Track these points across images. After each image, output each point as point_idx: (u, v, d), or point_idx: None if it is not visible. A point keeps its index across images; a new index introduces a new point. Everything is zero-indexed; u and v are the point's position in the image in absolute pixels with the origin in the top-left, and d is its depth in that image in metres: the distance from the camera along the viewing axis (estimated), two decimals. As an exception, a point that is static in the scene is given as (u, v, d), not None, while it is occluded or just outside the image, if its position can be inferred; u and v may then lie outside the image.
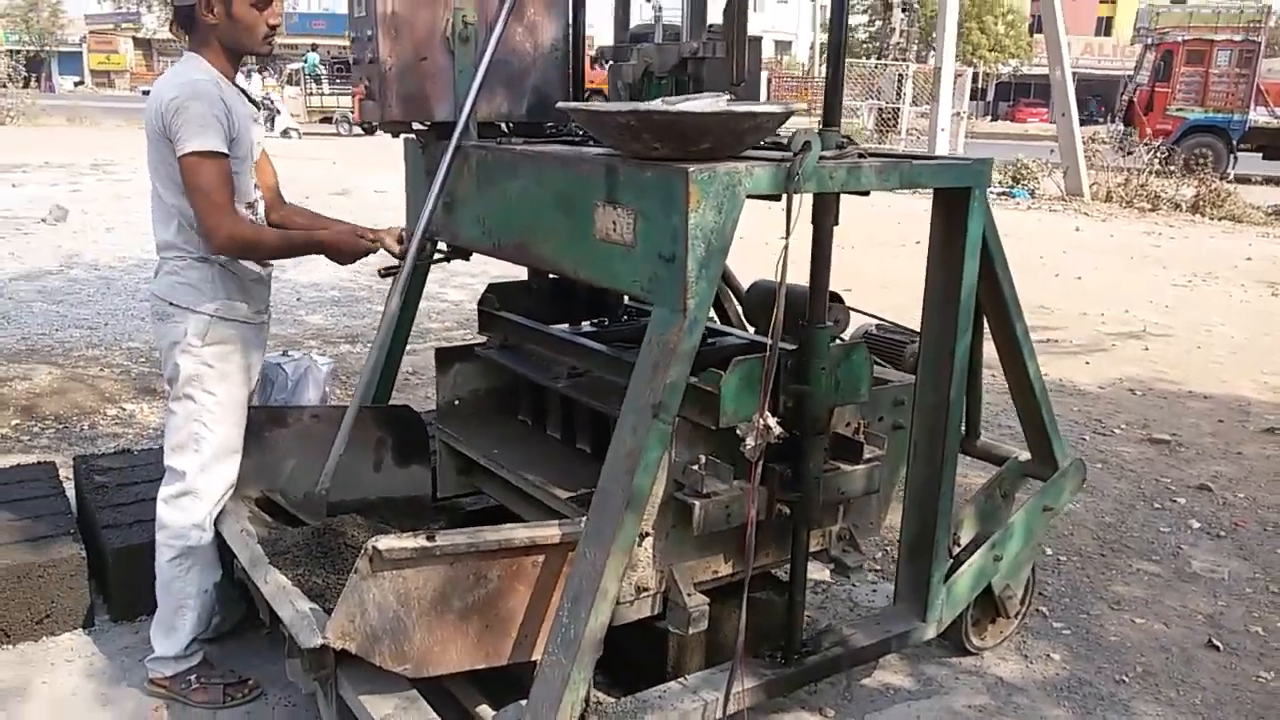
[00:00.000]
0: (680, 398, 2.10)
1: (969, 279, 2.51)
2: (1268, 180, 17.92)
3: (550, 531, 2.22)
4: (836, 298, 2.78)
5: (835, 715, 2.69)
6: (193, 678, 2.63)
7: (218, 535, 2.63)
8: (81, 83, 45.34)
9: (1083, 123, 29.50)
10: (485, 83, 2.58)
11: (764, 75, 27.57)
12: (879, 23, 25.33)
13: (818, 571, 3.19)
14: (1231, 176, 18.19)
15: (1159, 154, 16.73)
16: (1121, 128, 20.58)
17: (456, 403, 3.08)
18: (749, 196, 2.10)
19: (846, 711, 2.71)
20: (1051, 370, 6.00)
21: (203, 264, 2.54)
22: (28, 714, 2.57)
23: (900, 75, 20.77)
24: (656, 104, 2.20)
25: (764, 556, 2.55)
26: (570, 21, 2.94)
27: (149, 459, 3.48)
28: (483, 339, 3.14)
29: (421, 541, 2.07)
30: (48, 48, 43.64)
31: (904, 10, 22.16)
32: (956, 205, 2.48)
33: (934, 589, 2.68)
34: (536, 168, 2.47)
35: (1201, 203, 13.34)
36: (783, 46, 53.67)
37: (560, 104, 2.40)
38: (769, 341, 2.17)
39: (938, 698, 2.79)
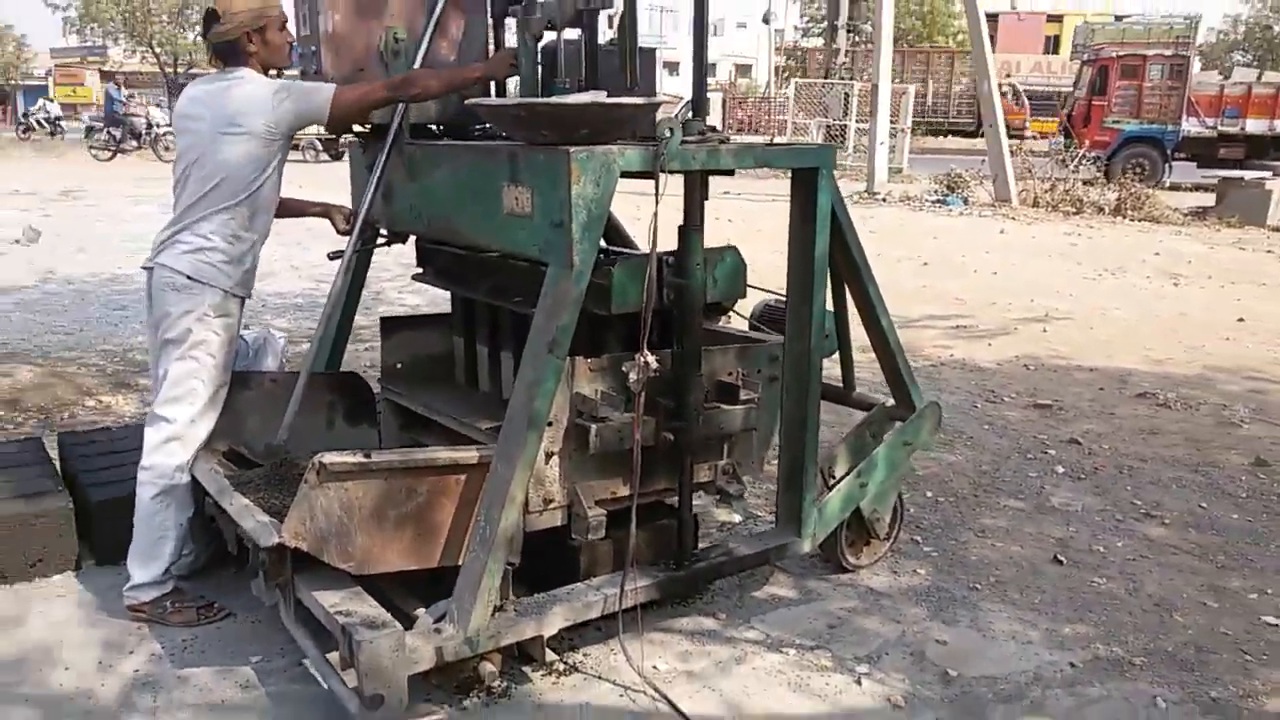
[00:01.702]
0: (570, 337, 2.58)
1: (820, 246, 3.01)
2: (1197, 187, 18.76)
3: (469, 454, 2.68)
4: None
5: (726, 618, 3.15)
6: (168, 602, 3.05)
7: (192, 479, 3.06)
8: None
9: (1030, 136, 30.33)
10: None
11: (719, 95, 28.38)
12: (823, 43, 26.19)
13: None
14: (1166, 184, 19.06)
15: (1099, 165, 17.51)
16: (1062, 140, 21.46)
17: (399, 365, 3.54)
18: (623, 174, 2.60)
19: (737, 615, 3.17)
20: (957, 351, 6.57)
21: (229, 249, 3.00)
22: (27, 637, 2.97)
23: (846, 94, 21.48)
24: (554, 99, 2.70)
25: (660, 483, 3.01)
26: (491, 34, 3.43)
27: (126, 434, 3.89)
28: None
29: (360, 458, 2.52)
30: (13, 81, 43.66)
31: (849, 31, 22.96)
32: (807, 184, 2.98)
33: (807, 510, 3.16)
34: (456, 159, 2.96)
35: (1123, 206, 14.09)
36: (743, 70, 54.81)
37: (468, 100, 2.89)
38: (652, 251, 2.66)
39: (816, 604, 3.27)
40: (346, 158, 3.60)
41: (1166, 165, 20.07)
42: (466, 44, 3.36)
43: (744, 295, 3.16)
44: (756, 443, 3.22)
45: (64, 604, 3.15)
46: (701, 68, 2.86)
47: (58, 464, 3.73)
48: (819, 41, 36.13)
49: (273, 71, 3.09)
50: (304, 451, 3.33)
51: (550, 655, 2.84)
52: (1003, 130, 15.10)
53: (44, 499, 3.33)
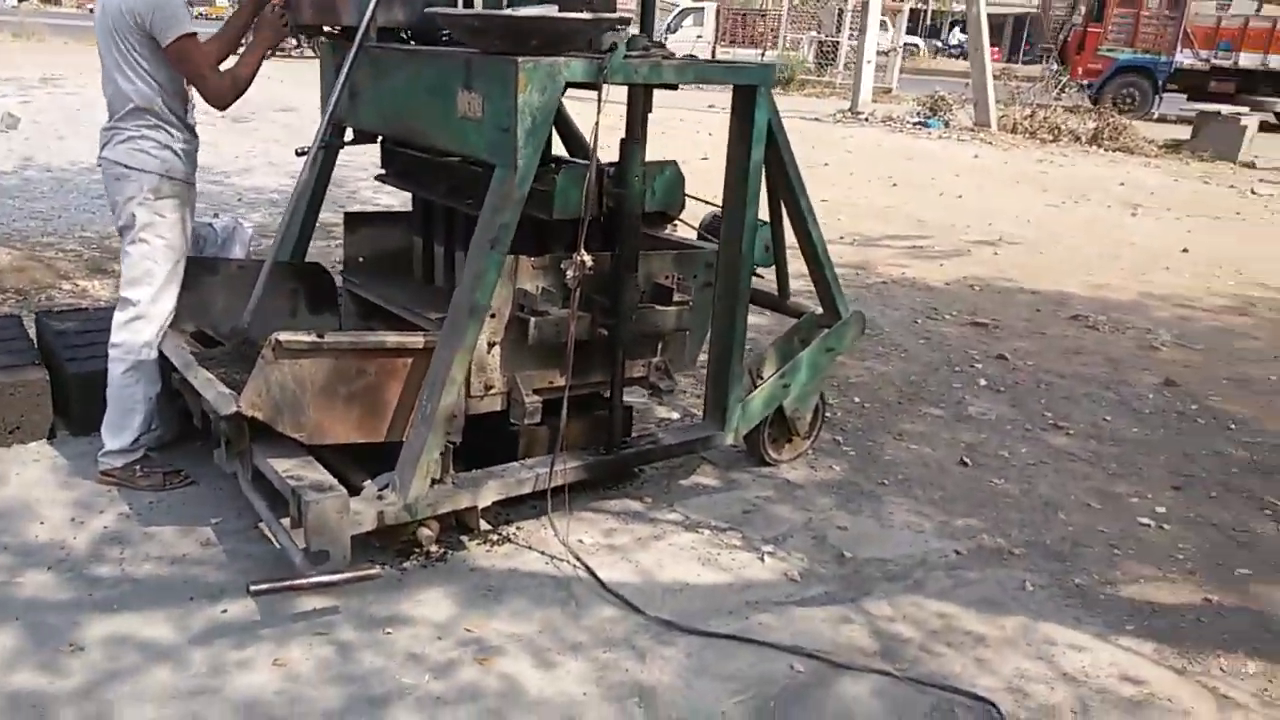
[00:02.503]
0: (511, 234, 2.81)
1: (755, 159, 3.21)
2: (1183, 120, 18.83)
3: (415, 339, 2.93)
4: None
5: (651, 502, 3.45)
6: (137, 468, 3.31)
7: (160, 355, 3.30)
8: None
9: (1026, 61, 29.97)
10: None
11: (713, 6, 27.95)
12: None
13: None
14: (1155, 115, 19.10)
15: (1089, 94, 17.44)
16: (1056, 66, 21.37)
17: (360, 259, 3.76)
18: (568, 84, 2.79)
19: (662, 500, 3.48)
20: (910, 271, 6.83)
21: (154, 134, 3.17)
22: (4, 495, 3.22)
23: (840, 9, 21.25)
24: (507, 12, 2.88)
25: (596, 375, 3.26)
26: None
27: (101, 315, 4.08)
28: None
29: (313, 337, 2.76)
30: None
31: (845, -57, 22.66)
32: (746, 100, 3.18)
33: (731, 405, 3.44)
34: (417, 63, 3.14)
35: (1100, 135, 14.21)
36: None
37: (427, 9, 3.05)
38: (591, 162, 2.88)
39: (735, 492, 3.58)
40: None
41: (1157, 97, 20.09)
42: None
43: (683, 206, 3.37)
44: (689, 343, 3.48)
45: (39, 468, 3.40)
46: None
47: (34, 341, 3.94)
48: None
49: None
50: (267, 335, 3.58)
51: (486, 527, 3.13)
52: (986, 54, 15.10)
53: (22, 371, 3.56)
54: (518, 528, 3.20)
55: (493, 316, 2.96)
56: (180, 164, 3.24)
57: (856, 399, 4.48)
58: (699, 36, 25.78)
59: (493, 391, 3.07)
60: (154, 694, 2.39)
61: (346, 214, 3.71)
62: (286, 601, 2.72)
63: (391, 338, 2.92)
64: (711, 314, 3.44)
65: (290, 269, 3.71)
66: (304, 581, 2.63)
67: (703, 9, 27.29)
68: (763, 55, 24.67)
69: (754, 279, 3.67)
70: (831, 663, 2.64)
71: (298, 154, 3.46)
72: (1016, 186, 10.65)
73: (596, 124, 2.84)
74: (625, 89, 2.98)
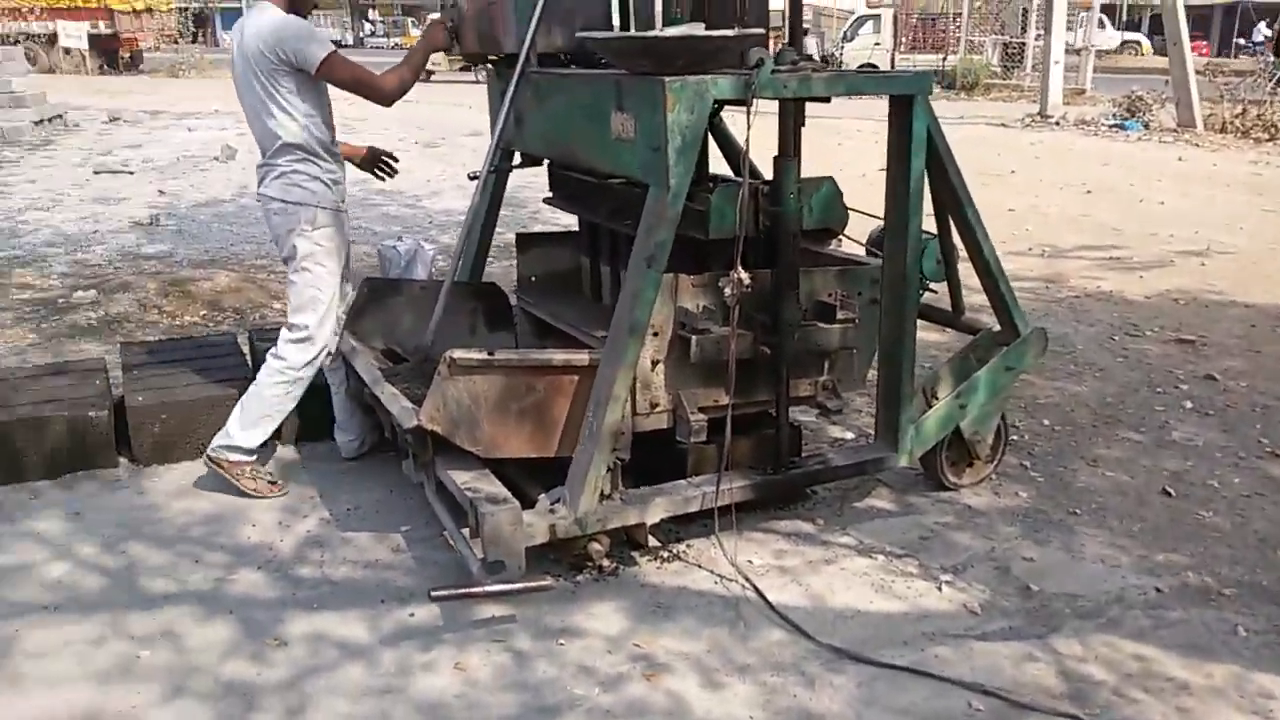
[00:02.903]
0: (668, 252, 2.81)
1: (915, 170, 3.09)
2: None
3: (581, 356, 2.98)
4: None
5: (824, 524, 3.37)
6: (248, 469, 3.49)
7: (353, 371, 3.48)
8: (242, 38, 48.08)
9: (1237, 53, 27.74)
10: (542, 21, 3.28)
11: (890, 12, 27.30)
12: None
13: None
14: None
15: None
16: (1271, 59, 19.63)
17: (533, 278, 3.87)
18: (717, 101, 2.78)
19: (834, 522, 3.38)
20: (1106, 283, 6.40)
21: (304, 167, 3.35)
22: (222, 499, 3.48)
23: (1024, 9, 20.30)
24: (651, 33, 2.91)
25: (761, 394, 3.20)
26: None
27: None
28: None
29: (484, 355, 2.86)
30: (211, 5, 46.48)
31: (1033, -60, 21.64)
32: (903, 110, 3.07)
33: (903, 426, 3.31)
34: (573, 87, 3.21)
35: (1325, 134, 12.91)
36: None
37: (578, 33, 3.10)
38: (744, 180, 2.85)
39: (912, 516, 3.44)
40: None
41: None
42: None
43: (844, 221, 3.28)
44: (857, 361, 3.38)
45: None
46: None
47: (249, 357, 4.25)
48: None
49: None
50: (450, 350, 3.73)
51: (654, 543, 3.14)
52: (1187, 48, 13.99)
53: (235, 385, 3.84)
54: (688, 545, 3.19)
55: (655, 335, 2.97)
56: (330, 193, 3.41)
57: (1046, 421, 4.23)
58: (876, 44, 25.27)
59: (658, 409, 3.07)
60: (347, 690, 2.53)
61: (519, 235, 3.84)
62: (467, 608, 2.84)
63: (559, 355, 2.98)
64: (878, 331, 3.32)
65: (468, 289, 3.85)
66: (480, 590, 2.72)
67: (879, 15, 26.71)
68: (944, 60, 23.87)
69: (928, 294, 3.56)
70: (1014, 703, 2.48)
71: (470, 178, 3.60)
72: (1227, 191, 9.80)
73: (746, 141, 2.81)
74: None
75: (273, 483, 3.54)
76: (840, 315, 3.18)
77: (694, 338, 2.96)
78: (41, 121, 13.78)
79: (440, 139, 13.36)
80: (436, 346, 3.47)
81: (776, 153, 3.02)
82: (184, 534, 3.27)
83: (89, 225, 7.82)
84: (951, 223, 3.38)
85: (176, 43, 28.82)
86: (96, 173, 10.26)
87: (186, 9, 38.45)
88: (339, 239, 3.46)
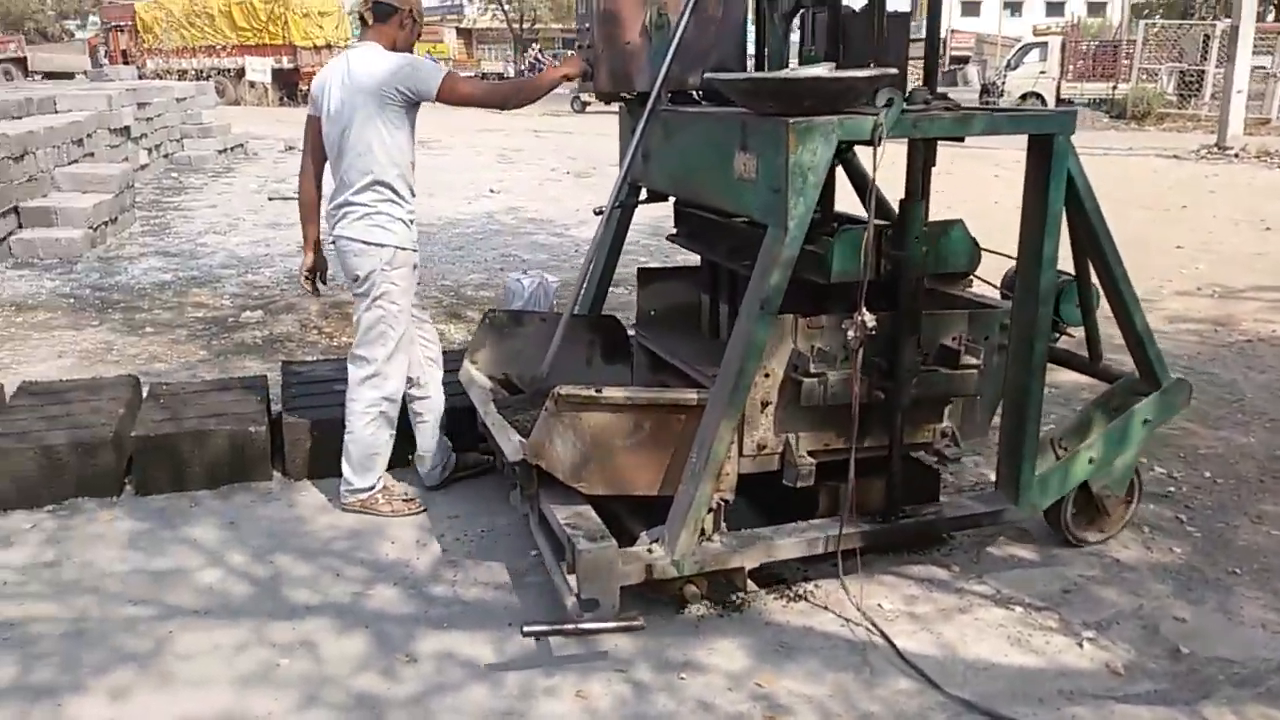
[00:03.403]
0: (782, 296, 2.78)
1: (1053, 213, 2.97)
2: None
3: (689, 396, 2.98)
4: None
5: (959, 570, 3.26)
6: (380, 497, 3.63)
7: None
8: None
9: None
10: (676, 59, 3.30)
11: (1058, 40, 26.25)
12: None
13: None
14: None
15: None
16: None
17: (652, 313, 3.91)
18: (844, 141, 2.74)
19: (970, 569, 3.27)
20: (1280, 328, 5.95)
21: (387, 208, 3.45)
22: (365, 517, 3.63)
23: (1206, 35, 19.14)
24: (777, 74, 2.90)
25: (876, 439, 3.12)
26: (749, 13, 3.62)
27: (451, 354, 4.31)
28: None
29: (591, 392, 2.90)
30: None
31: (1216, -37, 20.43)
32: (1042, 149, 2.95)
33: (1025, 478, 3.16)
34: (700, 126, 3.23)
35: None
36: (1095, 8, 50.14)
37: (705, 74, 3.12)
38: (869, 220, 2.80)
39: (1054, 568, 3.28)
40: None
41: None
42: (724, 23, 3.57)
43: (973, 265, 3.16)
44: (980, 408, 3.26)
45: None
46: (934, 36, 2.91)
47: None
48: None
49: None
50: (564, 383, 3.80)
51: (753, 588, 3.08)
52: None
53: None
54: (815, 585, 3.15)
55: (766, 376, 2.95)
56: (409, 233, 3.53)
57: (1207, 473, 3.98)
58: (1042, 72, 24.37)
59: (765, 451, 3.04)
60: (470, 710, 2.60)
61: (640, 269, 3.89)
62: (587, 637, 2.85)
63: (668, 394, 2.99)
64: (1006, 377, 3.19)
65: (586, 321, 3.92)
66: (572, 626, 2.74)
67: (1046, 43, 25.73)
68: (1114, 89, 22.76)
69: (1066, 338, 3.41)
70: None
71: (595, 214, 3.67)
72: None
73: (873, 182, 2.76)
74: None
75: (408, 499, 3.68)
76: (963, 361, 3.08)
77: (805, 380, 2.92)
78: (225, 150, 14.92)
79: (592, 169, 13.66)
80: (551, 378, 3.55)
81: (903, 196, 2.96)
82: (327, 547, 3.43)
83: (260, 249, 8.40)
84: (1091, 267, 3.22)
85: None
86: (270, 199, 10.98)
87: (362, 43, 40.85)
88: (412, 277, 3.57)
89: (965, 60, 30.63)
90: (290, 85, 28.23)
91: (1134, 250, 8.14)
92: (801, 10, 3.41)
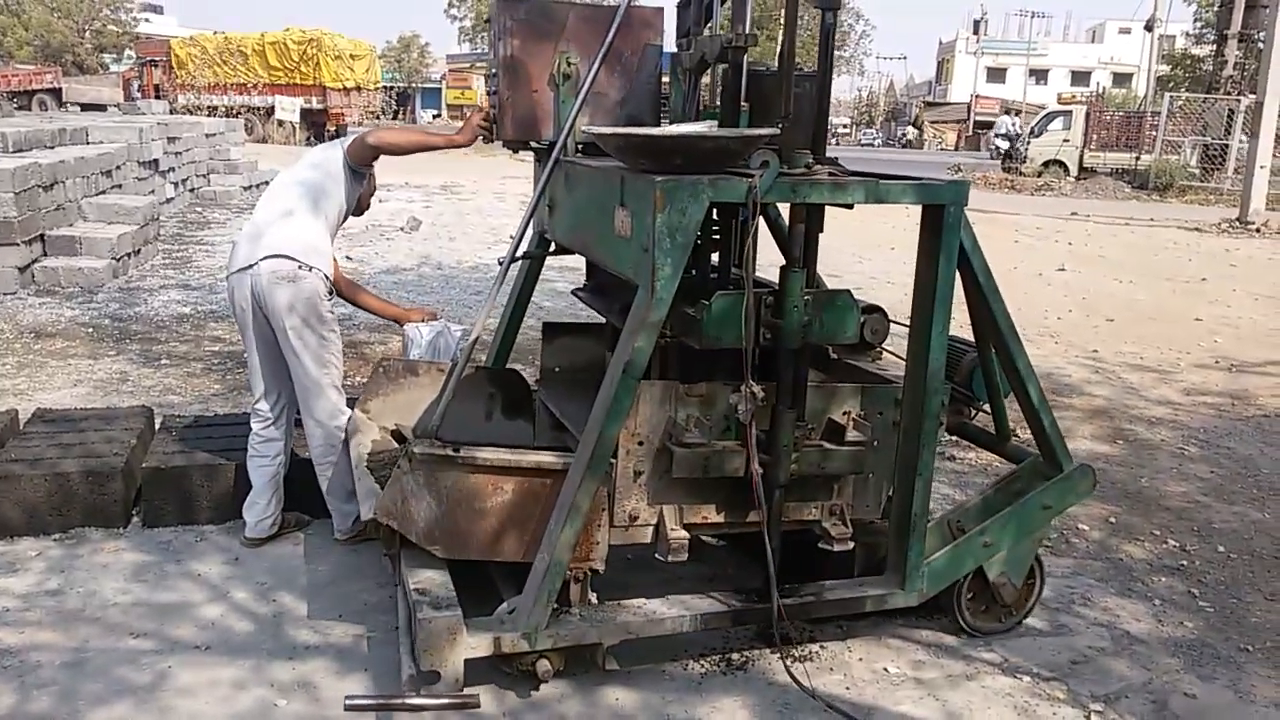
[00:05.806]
0: (646, 359, 2.65)
1: (943, 283, 2.82)
2: None
3: (552, 460, 2.84)
4: (878, 309, 3.03)
5: (968, 637, 3.17)
6: (365, 525, 3.44)
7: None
8: (439, 115, 51.54)
9: None
10: (585, 110, 3.18)
11: (1083, 109, 26.16)
12: (1210, 54, 23.27)
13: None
14: None
15: None
16: None
17: (556, 369, 3.77)
18: (714, 202, 2.62)
19: (979, 637, 3.17)
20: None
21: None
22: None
23: (1231, 110, 18.98)
24: (646, 130, 2.79)
25: (755, 515, 2.95)
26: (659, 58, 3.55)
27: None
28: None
29: (448, 451, 2.77)
30: (414, 84, 50.16)
31: (1240, 42, 20.22)
32: (935, 220, 2.81)
33: (912, 560, 2.98)
34: (590, 179, 3.12)
35: None
36: (1121, 79, 50.07)
37: (584, 128, 3.03)
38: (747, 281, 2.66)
39: (1064, 638, 3.19)
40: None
41: None
42: (639, 72, 3.50)
43: (862, 336, 2.98)
44: (872, 486, 3.09)
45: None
46: (824, 99, 2.80)
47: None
48: (1211, 49, 32.28)
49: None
50: (461, 438, 3.67)
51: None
52: None
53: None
54: (821, 646, 3.11)
55: (640, 444, 2.81)
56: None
57: (1221, 548, 3.87)
58: (1065, 140, 24.30)
59: (637, 523, 2.89)
60: None
61: (545, 324, 3.76)
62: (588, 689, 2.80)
63: (530, 457, 2.86)
64: (897, 453, 3.02)
65: (488, 374, 3.79)
66: (400, 701, 2.59)
67: (1070, 111, 25.67)
68: (1137, 160, 22.59)
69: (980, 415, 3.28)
70: None
71: (499, 264, 3.55)
72: None
73: (745, 248, 2.63)
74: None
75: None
76: (850, 437, 2.92)
77: (678, 450, 2.78)
78: (250, 187, 15.07)
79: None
80: (444, 430, 3.42)
81: (782, 263, 2.83)
82: (330, 585, 3.39)
83: (280, 285, 8.43)
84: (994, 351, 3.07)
85: (378, 118, 31.07)
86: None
87: (391, 88, 41.53)
88: (334, 316, 3.64)
89: (989, 125, 30.59)
90: (318, 125, 28.69)
91: (1154, 322, 8.09)
92: (709, 68, 3.31)
